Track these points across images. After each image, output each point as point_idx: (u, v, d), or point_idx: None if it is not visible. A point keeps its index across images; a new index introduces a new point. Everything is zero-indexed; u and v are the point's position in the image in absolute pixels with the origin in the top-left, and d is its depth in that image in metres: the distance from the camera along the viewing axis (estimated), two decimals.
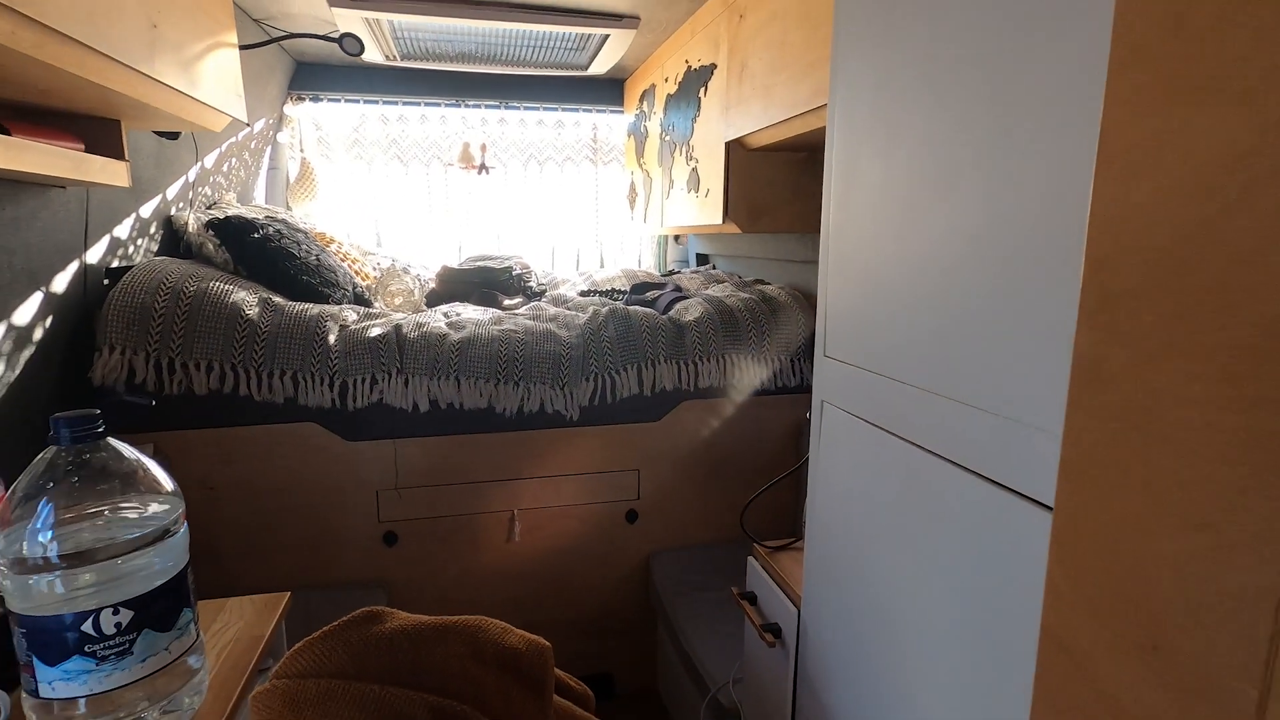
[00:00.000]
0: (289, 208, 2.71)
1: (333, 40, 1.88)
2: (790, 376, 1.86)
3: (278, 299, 1.67)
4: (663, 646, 1.84)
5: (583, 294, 2.40)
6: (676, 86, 2.19)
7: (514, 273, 2.44)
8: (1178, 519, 0.31)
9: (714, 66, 1.87)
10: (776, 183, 1.81)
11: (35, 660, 0.66)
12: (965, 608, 0.59)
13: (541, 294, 2.48)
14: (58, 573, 0.66)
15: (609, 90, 2.95)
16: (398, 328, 1.69)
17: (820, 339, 0.93)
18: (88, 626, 0.66)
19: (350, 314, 1.73)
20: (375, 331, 1.66)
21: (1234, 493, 0.29)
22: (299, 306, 1.65)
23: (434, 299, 2.28)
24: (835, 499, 0.89)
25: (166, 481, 0.75)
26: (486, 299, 2.27)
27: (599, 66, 2.53)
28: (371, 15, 1.85)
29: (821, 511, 0.94)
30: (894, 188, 0.73)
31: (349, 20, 1.92)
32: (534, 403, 1.71)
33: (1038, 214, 0.51)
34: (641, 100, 2.65)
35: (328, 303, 1.82)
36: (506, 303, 2.30)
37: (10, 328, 1.23)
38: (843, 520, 0.87)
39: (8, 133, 1.04)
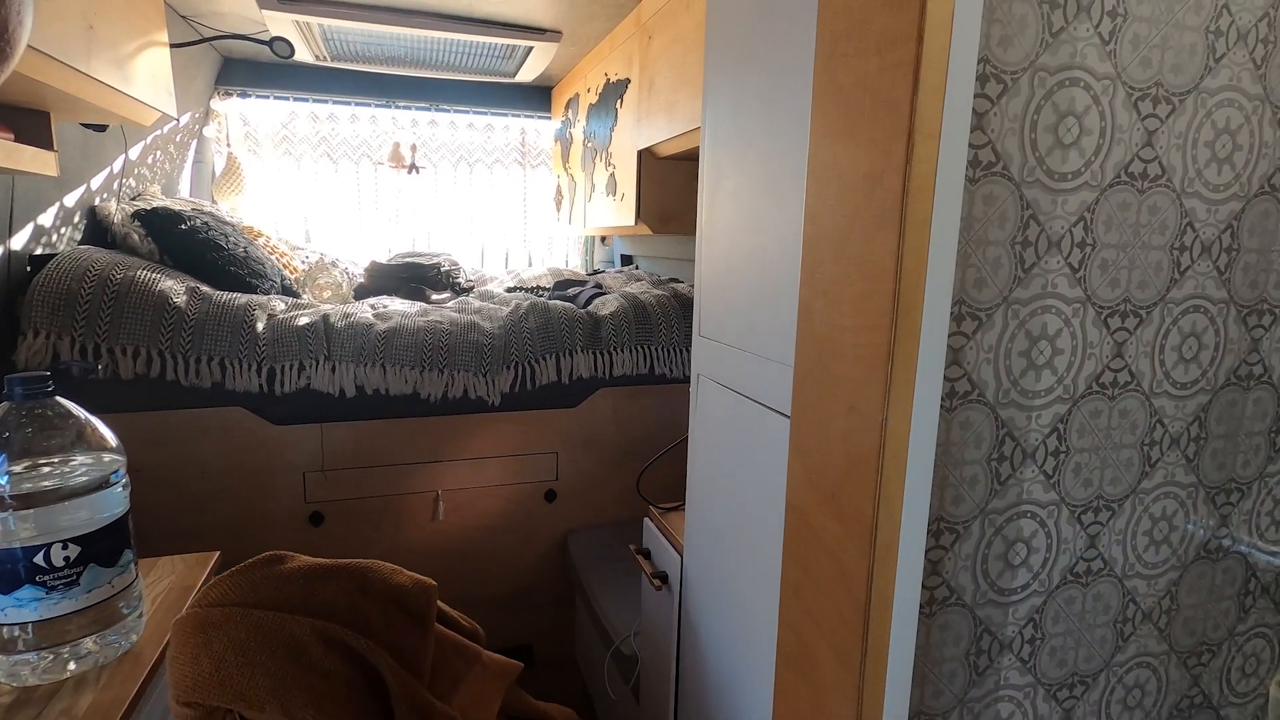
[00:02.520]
0: (214, 201, 2.72)
1: (263, 43, 1.95)
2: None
3: (205, 288, 1.73)
4: (579, 616, 1.98)
5: (509, 290, 2.52)
6: (597, 97, 2.35)
7: (442, 269, 2.54)
8: (842, 406, 0.48)
9: (628, 81, 2.03)
10: (684, 189, 1.99)
11: None
12: (770, 513, 0.76)
13: (469, 290, 2.58)
14: (10, 511, 0.75)
15: (537, 97, 3.08)
16: (325, 317, 1.77)
17: (697, 321, 1.09)
18: (39, 559, 0.76)
19: (279, 304, 1.80)
20: (303, 320, 1.74)
21: (862, 385, 0.46)
22: (227, 295, 1.72)
23: (362, 293, 2.35)
24: (707, 457, 1.06)
25: (110, 438, 0.85)
26: (414, 293, 2.36)
27: (526, 74, 2.66)
28: (301, 19, 1.93)
29: (698, 470, 1.10)
30: (742, 194, 0.90)
31: (279, 22, 1.99)
32: (457, 389, 1.83)
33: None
34: (567, 108, 2.80)
35: (255, 293, 1.89)
36: (434, 297, 2.39)
37: None
38: (711, 474, 1.03)
39: None
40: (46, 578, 0.76)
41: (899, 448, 0.44)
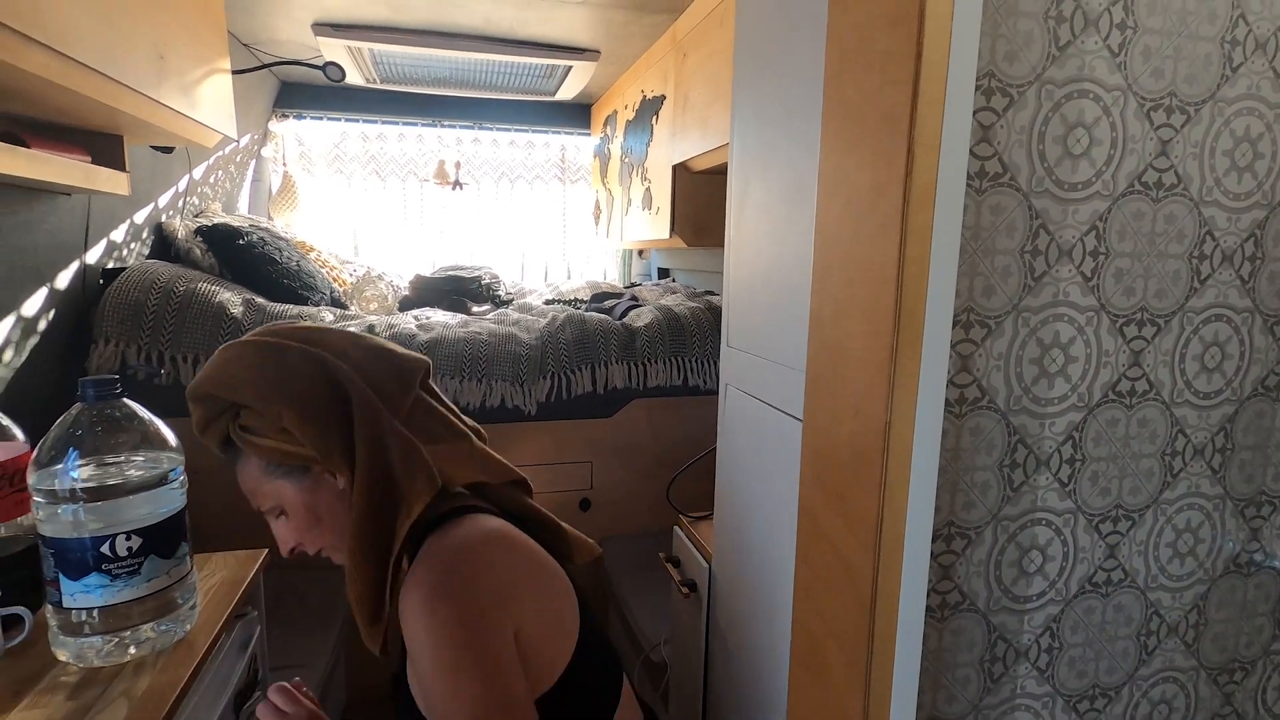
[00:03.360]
0: (270, 218, 2.86)
1: (316, 67, 2.05)
2: None
3: (260, 300, 1.82)
4: (611, 624, 2.00)
5: (547, 303, 2.58)
6: (634, 113, 2.39)
7: (483, 282, 2.61)
8: (849, 409, 0.49)
9: (664, 97, 2.07)
10: (717, 201, 2.00)
11: (60, 576, 0.81)
12: (788, 518, 0.77)
13: (509, 302, 2.64)
14: (80, 504, 0.81)
15: (576, 114, 3.15)
16: (370, 327, 1.85)
17: (725, 332, 1.11)
18: (105, 548, 0.82)
19: (327, 315, 1.88)
20: (350, 330, 1.81)
21: (868, 388, 0.47)
22: (280, 307, 1.80)
23: (407, 304, 2.44)
24: (734, 465, 1.07)
25: (171, 438, 0.91)
26: (456, 305, 2.43)
27: (565, 93, 2.73)
28: (354, 44, 2.03)
29: (725, 478, 1.11)
30: (767, 206, 0.92)
31: (333, 48, 2.09)
32: (495, 398, 1.88)
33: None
34: (605, 124, 2.86)
35: (307, 305, 1.98)
36: (475, 309, 2.46)
37: (19, 318, 1.37)
38: (737, 482, 1.04)
39: (27, 146, 1.20)
40: (111, 566, 0.82)
41: (903, 449, 0.46)
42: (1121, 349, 0.56)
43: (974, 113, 0.47)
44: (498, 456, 0.87)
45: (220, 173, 2.43)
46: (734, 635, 1.04)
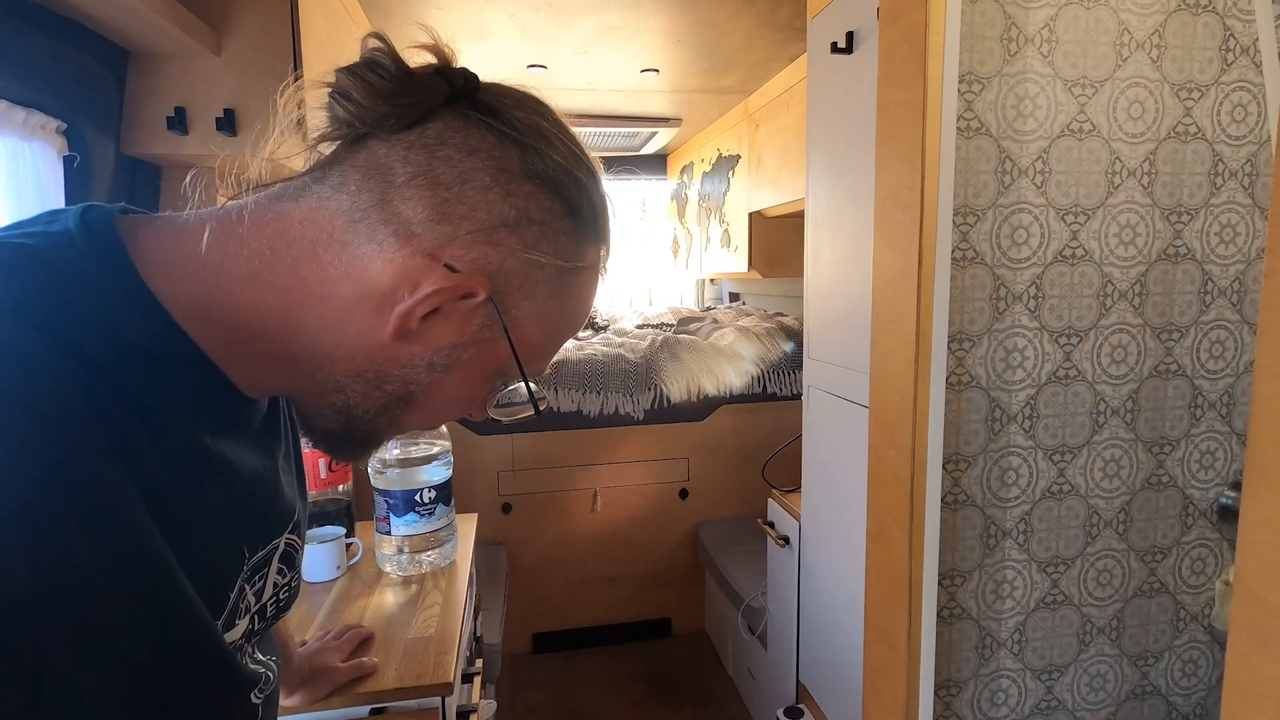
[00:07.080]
0: None
1: None
2: (801, 385, 2.44)
3: None
4: (708, 591, 2.40)
5: (638, 327, 3.03)
6: (711, 166, 2.84)
7: None
8: (894, 391, 0.90)
9: (739, 156, 2.51)
10: (787, 241, 2.42)
11: (391, 515, 1.29)
12: (858, 480, 1.17)
13: (605, 328, 3.11)
14: (399, 469, 1.28)
15: (655, 163, 3.63)
16: None
17: (806, 345, 1.52)
18: (417, 497, 1.29)
19: None
20: None
21: (903, 379, 0.88)
22: None
23: None
24: (817, 448, 1.47)
25: (445, 431, 1.38)
26: None
27: (648, 149, 3.20)
28: None
29: (810, 459, 1.52)
30: (835, 259, 1.33)
31: None
32: (610, 407, 2.33)
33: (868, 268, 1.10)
34: (682, 172, 3.31)
35: None
36: (580, 335, 2.93)
37: None
38: (820, 460, 1.45)
39: None
40: (419, 509, 1.29)
41: (924, 410, 0.85)
42: (1063, 231, 0.95)
43: (959, 94, 0.86)
44: None
45: None
46: (820, 578, 1.44)
